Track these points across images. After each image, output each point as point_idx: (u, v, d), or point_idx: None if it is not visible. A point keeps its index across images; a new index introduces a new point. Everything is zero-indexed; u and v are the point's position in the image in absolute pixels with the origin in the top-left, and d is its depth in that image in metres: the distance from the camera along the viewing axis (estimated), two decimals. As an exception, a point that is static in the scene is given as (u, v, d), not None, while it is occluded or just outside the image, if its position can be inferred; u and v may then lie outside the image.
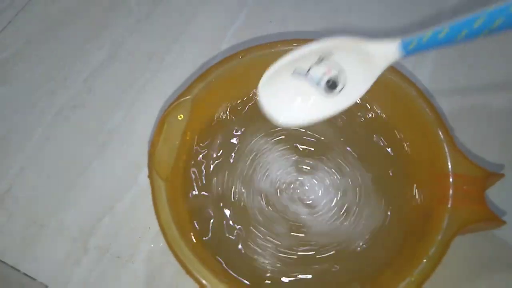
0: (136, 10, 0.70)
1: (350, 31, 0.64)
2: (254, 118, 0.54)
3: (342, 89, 0.43)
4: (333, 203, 0.51)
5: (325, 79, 0.43)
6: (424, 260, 0.42)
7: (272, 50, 0.51)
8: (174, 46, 0.66)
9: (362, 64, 0.41)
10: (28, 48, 0.67)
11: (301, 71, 0.43)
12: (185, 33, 0.67)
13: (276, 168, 0.53)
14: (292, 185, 0.52)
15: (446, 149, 0.45)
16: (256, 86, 0.50)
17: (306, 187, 0.52)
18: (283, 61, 0.43)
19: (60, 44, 0.67)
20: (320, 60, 0.42)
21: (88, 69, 0.65)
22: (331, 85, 0.43)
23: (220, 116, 0.54)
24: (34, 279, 0.52)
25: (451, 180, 0.44)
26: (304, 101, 0.44)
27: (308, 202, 0.51)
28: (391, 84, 0.49)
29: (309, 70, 0.43)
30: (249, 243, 0.49)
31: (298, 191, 0.52)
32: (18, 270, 0.53)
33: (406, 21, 0.66)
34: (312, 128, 0.54)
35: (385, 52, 0.40)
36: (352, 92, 0.42)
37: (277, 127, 0.53)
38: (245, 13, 0.68)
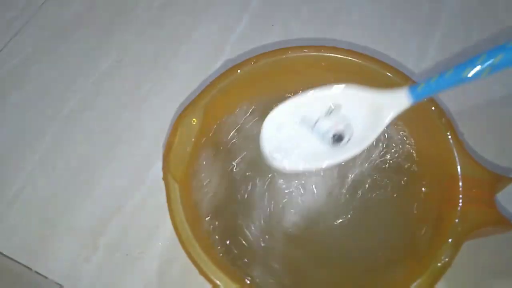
0: (143, 15, 0.66)
1: (350, 32, 0.62)
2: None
3: (348, 140, 0.40)
4: (346, 204, 0.48)
5: (332, 132, 0.40)
6: (434, 263, 0.39)
7: (283, 56, 0.48)
8: (180, 50, 0.63)
9: (370, 114, 0.39)
10: (38, 53, 0.64)
11: (308, 122, 0.41)
12: (190, 38, 0.64)
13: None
14: (305, 188, 0.49)
15: (456, 154, 0.42)
16: (266, 92, 0.48)
17: (316, 192, 0.49)
18: (290, 103, 0.41)
19: (69, 50, 0.64)
20: (329, 112, 0.40)
21: (96, 72, 0.62)
22: (337, 138, 0.40)
23: (233, 121, 0.51)
24: (46, 277, 0.49)
25: (461, 183, 0.41)
26: (308, 150, 0.41)
27: (320, 206, 0.48)
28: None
29: (316, 121, 0.41)
30: (261, 242, 0.46)
31: (311, 195, 0.49)
32: (31, 269, 0.50)
33: (406, 20, 0.63)
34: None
35: (394, 101, 0.38)
36: (358, 143, 0.40)
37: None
38: (247, 17, 0.65)
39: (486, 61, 0.35)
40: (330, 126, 0.41)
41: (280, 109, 0.41)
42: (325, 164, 0.41)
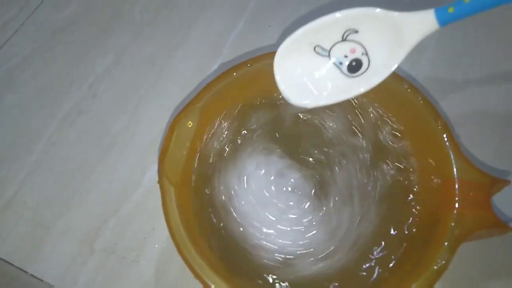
0: (139, 17, 0.66)
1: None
2: (262, 126, 0.51)
3: (366, 69, 0.37)
4: (340, 207, 0.47)
5: (349, 59, 0.37)
6: (430, 267, 0.39)
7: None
8: (177, 52, 0.63)
9: (390, 39, 0.36)
10: (34, 56, 0.64)
11: (323, 49, 0.38)
12: (187, 39, 0.63)
13: (280, 173, 0.49)
14: (296, 190, 0.49)
15: (452, 156, 0.42)
16: (262, 95, 0.48)
17: (310, 192, 0.48)
18: (304, 30, 0.37)
19: (65, 52, 0.64)
20: (344, 38, 0.37)
21: (92, 75, 0.61)
22: (355, 66, 0.37)
23: (228, 124, 0.50)
24: (41, 280, 0.49)
25: (457, 186, 0.41)
26: (323, 81, 0.38)
27: (313, 204, 0.48)
28: (395, 91, 0.46)
29: (331, 48, 0.38)
30: (254, 244, 0.46)
31: (302, 194, 0.48)
32: (26, 272, 0.49)
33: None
34: (318, 138, 0.50)
35: (419, 23, 0.35)
36: (378, 71, 0.37)
37: (283, 134, 0.50)
38: (244, 18, 0.65)
39: None
40: (346, 52, 0.38)
41: (291, 39, 0.38)
42: (343, 96, 0.38)
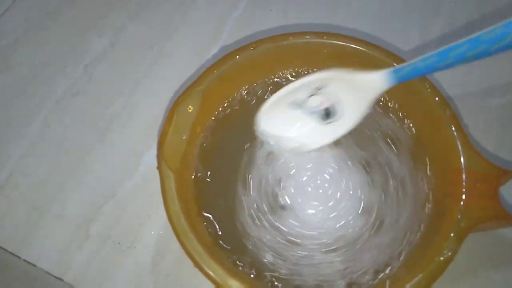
0: (137, -3, 0.65)
1: (350, 18, 0.60)
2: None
3: (338, 117, 0.43)
4: (348, 200, 0.47)
5: (321, 108, 0.43)
6: (436, 257, 0.38)
7: (284, 43, 0.47)
8: (175, 34, 0.61)
9: (355, 93, 0.41)
10: (28, 35, 0.62)
11: (297, 102, 0.43)
12: (185, 21, 0.62)
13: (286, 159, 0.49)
14: (302, 178, 0.48)
15: (460, 146, 0.41)
16: (266, 77, 0.48)
17: (316, 182, 0.48)
18: (281, 93, 0.43)
19: (60, 31, 0.62)
20: (317, 90, 0.42)
21: (88, 56, 0.60)
22: (327, 114, 0.43)
23: (229, 108, 0.49)
24: (35, 266, 0.48)
25: (464, 177, 0.40)
26: (301, 131, 0.44)
27: (318, 196, 0.47)
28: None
29: (306, 101, 0.43)
30: (256, 235, 0.45)
31: (308, 185, 0.48)
32: (19, 257, 0.49)
33: (407, 6, 0.61)
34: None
35: (374, 83, 0.40)
36: (348, 120, 0.42)
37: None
38: (245, 1, 0.63)
39: (469, 49, 0.34)
40: (319, 102, 0.42)
41: (271, 101, 0.43)
42: (318, 143, 0.43)
